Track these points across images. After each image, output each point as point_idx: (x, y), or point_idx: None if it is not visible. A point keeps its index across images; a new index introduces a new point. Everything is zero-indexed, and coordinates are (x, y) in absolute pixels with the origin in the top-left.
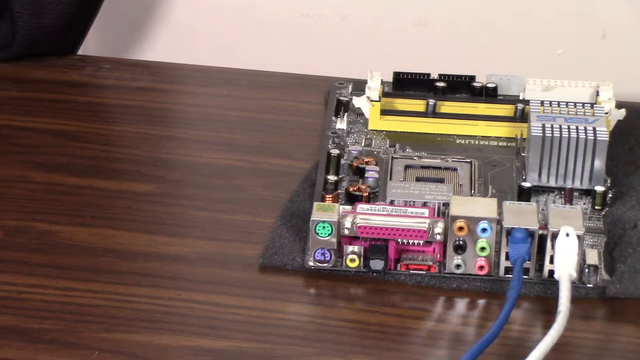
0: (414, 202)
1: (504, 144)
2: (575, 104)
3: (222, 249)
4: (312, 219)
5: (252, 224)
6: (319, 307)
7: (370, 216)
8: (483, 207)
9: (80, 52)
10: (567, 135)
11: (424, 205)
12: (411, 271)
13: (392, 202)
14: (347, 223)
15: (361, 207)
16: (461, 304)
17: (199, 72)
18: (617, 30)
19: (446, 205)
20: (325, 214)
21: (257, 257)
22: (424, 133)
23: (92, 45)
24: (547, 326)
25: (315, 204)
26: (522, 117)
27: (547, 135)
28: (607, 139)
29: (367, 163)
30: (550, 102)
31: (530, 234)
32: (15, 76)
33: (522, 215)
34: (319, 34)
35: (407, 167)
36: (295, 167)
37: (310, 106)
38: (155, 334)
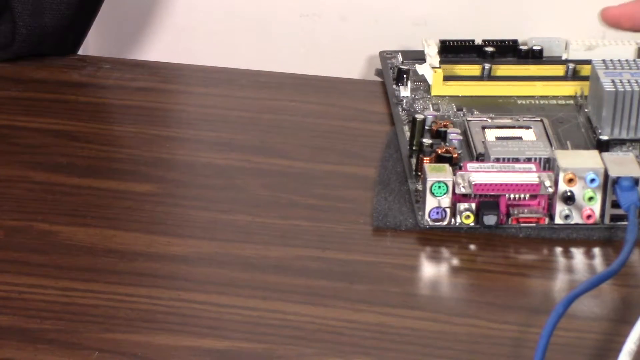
0: (517, 158)
1: (563, 102)
2: (627, 60)
3: (222, 249)
4: (428, 179)
5: (252, 224)
6: (319, 307)
7: (484, 174)
8: (587, 158)
9: (80, 52)
10: (639, 89)
11: (529, 160)
12: (522, 224)
13: (497, 160)
14: (462, 181)
15: (471, 165)
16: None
17: (199, 72)
18: None
19: (547, 159)
20: (440, 174)
21: (257, 257)
22: (485, 96)
23: (92, 45)
24: None
25: (427, 165)
26: (573, 75)
27: (619, 90)
28: None
29: (445, 126)
30: (611, 60)
31: (635, 181)
32: (15, 76)
33: (624, 165)
34: (319, 34)
35: (483, 128)
36: (295, 167)
37: (310, 106)
38: (155, 334)
